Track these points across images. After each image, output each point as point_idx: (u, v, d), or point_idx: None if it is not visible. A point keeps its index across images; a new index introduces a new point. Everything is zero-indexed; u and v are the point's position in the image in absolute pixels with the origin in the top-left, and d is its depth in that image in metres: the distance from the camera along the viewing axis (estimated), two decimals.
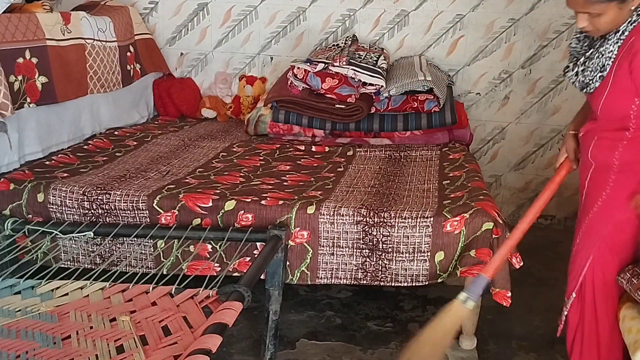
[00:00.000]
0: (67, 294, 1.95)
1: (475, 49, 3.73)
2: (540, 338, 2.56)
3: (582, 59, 1.92)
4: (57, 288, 1.97)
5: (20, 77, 2.74)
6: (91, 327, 1.73)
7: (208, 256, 2.42)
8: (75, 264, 2.47)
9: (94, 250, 2.49)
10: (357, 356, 2.48)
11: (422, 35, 3.77)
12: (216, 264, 2.40)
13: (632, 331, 1.85)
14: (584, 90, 1.94)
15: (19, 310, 1.84)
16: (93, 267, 2.37)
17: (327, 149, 3.26)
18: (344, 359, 2.46)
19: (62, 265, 2.23)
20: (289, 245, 2.35)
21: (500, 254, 2.09)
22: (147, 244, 2.45)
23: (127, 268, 2.40)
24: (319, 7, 3.84)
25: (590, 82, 1.90)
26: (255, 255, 2.33)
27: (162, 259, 2.44)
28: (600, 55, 1.85)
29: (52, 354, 1.61)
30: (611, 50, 1.83)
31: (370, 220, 2.33)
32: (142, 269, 2.44)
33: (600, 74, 1.86)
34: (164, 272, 2.33)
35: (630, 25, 1.80)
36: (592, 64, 1.88)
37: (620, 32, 1.82)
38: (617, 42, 1.82)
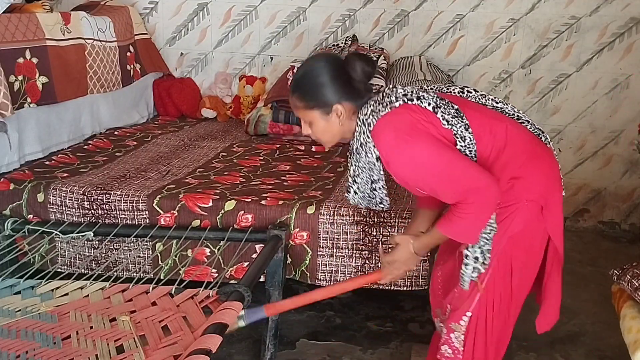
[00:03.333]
0: (67, 294, 1.95)
1: (475, 49, 3.73)
2: (540, 338, 2.54)
3: (350, 180, 1.84)
4: (57, 288, 1.98)
5: (20, 77, 2.75)
6: (91, 327, 1.73)
7: (206, 260, 2.42)
8: (72, 268, 2.47)
9: (91, 254, 2.48)
10: (357, 356, 2.48)
11: (422, 35, 3.77)
12: (213, 270, 2.40)
13: (632, 330, 1.85)
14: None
15: (19, 310, 1.84)
16: (88, 272, 2.35)
17: (327, 149, 3.25)
18: (344, 359, 2.46)
19: (59, 270, 2.21)
20: (289, 246, 2.35)
21: (294, 301, 1.99)
22: (144, 247, 2.45)
23: (124, 273, 2.39)
24: (319, 7, 3.83)
25: (373, 196, 1.82)
26: (254, 260, 2.33)
27: (159, 262, 2.44)
28: (364, 169, 1.77)
29: (52, 354, 1.61)
30: (370, 161, 1.74)
31: (370, 220, 2.33)
32: (139, 273, 2.43)
33: (372, 185, 1.79)
34: (161, 277, 2.32)
35: (364, 134, 1.72)
36: (361, 179, 1.80)
37: (364, 143, 1.73)
38: (368, 152, 1.73)
